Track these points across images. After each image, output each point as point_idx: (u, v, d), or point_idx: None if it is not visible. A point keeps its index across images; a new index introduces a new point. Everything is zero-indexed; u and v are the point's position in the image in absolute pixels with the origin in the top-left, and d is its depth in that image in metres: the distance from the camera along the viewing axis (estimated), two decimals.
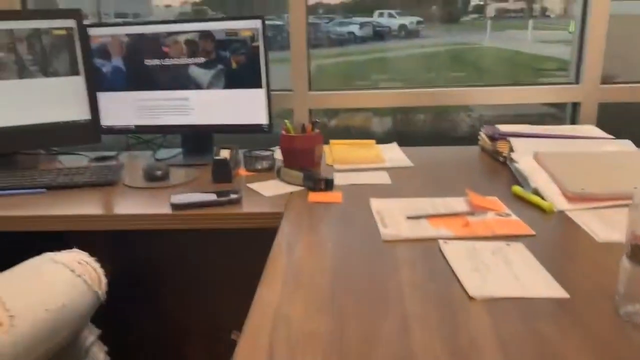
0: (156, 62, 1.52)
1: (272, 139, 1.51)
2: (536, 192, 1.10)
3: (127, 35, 1.52)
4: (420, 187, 1.22)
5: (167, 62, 1.52)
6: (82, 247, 1.10)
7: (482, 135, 1.54)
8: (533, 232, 0.93)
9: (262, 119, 1.50)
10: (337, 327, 0.65)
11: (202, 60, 1.50)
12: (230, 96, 1.50)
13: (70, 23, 1.51)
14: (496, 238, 0.91)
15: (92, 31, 1.53)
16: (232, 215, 1.13)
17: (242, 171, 1.41)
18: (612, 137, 1.43)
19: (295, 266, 0.83)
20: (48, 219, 1.16)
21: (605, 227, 0.94)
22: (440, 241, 0.89)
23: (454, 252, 0.85)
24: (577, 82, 1.70)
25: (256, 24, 1.45)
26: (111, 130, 1.59)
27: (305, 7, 1.67)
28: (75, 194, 1.28)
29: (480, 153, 1.53)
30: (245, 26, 1.45)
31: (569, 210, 1.03)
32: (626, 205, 0.66)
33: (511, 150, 1.35)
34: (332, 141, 1.62)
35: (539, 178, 1.15)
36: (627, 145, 1.36)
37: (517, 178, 1.23)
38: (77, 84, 1.54)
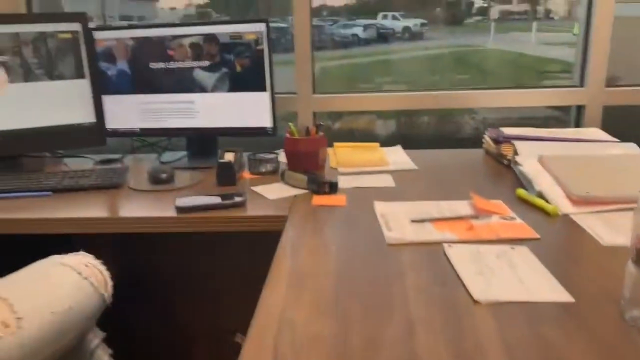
0: (161, 65, 1.53)
1: (277, 142, 1.52)
2: (540, 196, 1.10)
3: (132, 38, 1.53)
4: (424, 190, 1.22)
5: (172, 65, 1.52)
6: (88, 250, 1.11)
7: (487, 138, 1.54)
8: (538, 236, 0.93)
9: (266, 122, 1.51)
10: (342, 331, 0.65)
11: (206, 63, 1.50)
12: (235, 99, 1.51)
13: (76, 26, 1.52)
14: (501, 242, 0.91)
15: (98, 34, 1.53)
16: (237, 219, 1.13)
17: (247, 174, 1.41)
18: (616, 140, 1.43)
19: (300, 269, 0.83)
20: (54, 221, 1.16)
21: (610, 230, 0.94)
22: (445, 245, 0.89)
23: (459, 256, 0.85)
24: (581, 85, 1.70)
25: (260, 27, 1.45)
26: (116, 133, 1.60)
27: (310, 10, 1.67)
28: (80, 196, 1.29)
29: (485, 156, 1.53)
30: (250, 29, 1.46)
31: (574, 213, 1.03)
32: (631, 209, 0.66)
33: (515, 153, 1.35)
34: (336, 144, 1.62)
35: (543, 181, 1.15)
36: (632, 148, 1.36)
37: (522, 181, 1.23)
38: (82, 87, 1.55)
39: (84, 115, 1.56)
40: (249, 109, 1.51)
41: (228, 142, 1.51)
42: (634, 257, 0.64)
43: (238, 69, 1.49)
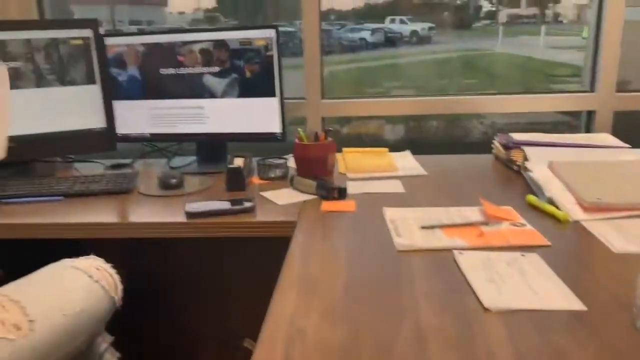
0: (171, 71, 1.54)
1: (286, 147, 1.52)
2: (551, 202, 1.10)
3: (143, 44, 1.54)
4: (434, 196, 1.22)
5: (182, 71, 1.54)
6: (98, 254, 1.12)
7: (496, 143, 1.53)
8: (548, 243, 0.92)
9: (275, 127, 1.51)
10: (353, 338, 0.65)
11: (216, 69, 1.51)
12: (244, 105, 1.52)
13: (87, 33, 1.53)
14: (511, 248, 0.90)
15: (109, 41, 1.55)
16: (246, 224, 1.14)
17: (256, 179, 1.42)
18: (628, 145, 1.42)
19: (310, 276, 0.83)
20: (65, 226, 1.17)
21: (621, 237, 0.94)
22: (455, 251, 0.89)
23: (469, 263, 0.84)
24: (592, 90, 1.69)
25: (270, 33, 1.46)
26: (126, 138, 1.61)
27: (319, 13, 1.68)
28: (91, 201, 1.30)
29: (494, 161, 1.53)
30: (260, 35, 1.47)
31: (585, 220, 1.02)
32: None
33: (525, 159, 1.34)
34: (345, 149, 1.63)
35: (553, 187, 1.14)
36: None
37: (532, 187, 1.22)
38: (93, 92, 1.56)
39: (94, 120, 1.57)
40: (259, 115, 1.51)
41: (237, 148, 1.52)
42: None
43: (248, 74, 1.49)
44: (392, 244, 0.94)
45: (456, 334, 0.66)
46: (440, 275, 0.82)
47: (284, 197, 1.26)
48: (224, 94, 1.53)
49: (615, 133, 1.55)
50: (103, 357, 1.09)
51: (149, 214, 1.21)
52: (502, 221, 1.02)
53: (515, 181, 1.32)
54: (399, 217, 1.06)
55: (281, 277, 0.83)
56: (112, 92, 1.58)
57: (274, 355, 0.63)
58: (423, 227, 1.00)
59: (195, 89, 1.54)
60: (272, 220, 1.14)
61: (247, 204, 1.18)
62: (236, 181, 1.33)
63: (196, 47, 1.51)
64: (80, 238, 1.17)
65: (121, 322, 1.12)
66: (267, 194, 1.28)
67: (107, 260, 1.10)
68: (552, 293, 0.75)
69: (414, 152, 1.63)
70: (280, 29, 1.48)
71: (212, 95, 1.53)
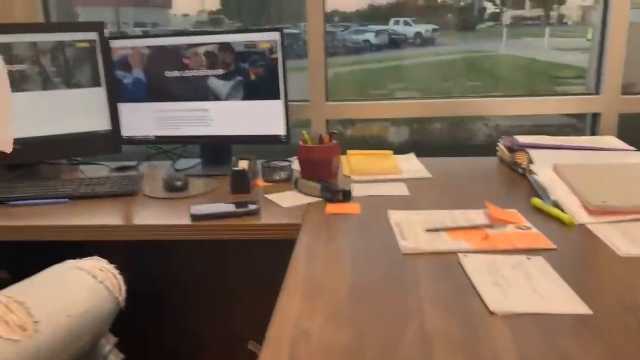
0: (176, 73, 1.55)
1: (290, 150, 1.52)
2: (556, 205, 1.09)
3: (148, 47, 1.55)
4: (438, 199, 1.22)
5: (187, 73, 1.54)
6: (103, 256, 1.12)
7: (501, 146, 1.53)
8: (554, 246, 0.92)
9: (279, 129, 1.52)
10: (358, 342, 0.65)
11: (221, 71, 1.52)
12: (249, 107, 1.52)
13: (93, 35, 1.54)
14: (516, 251, 0.90)
15: (114, 43, 1.56)
16: (251, 227, 1.14)
17: (260, 182, 1.42)
18: (633, 148, 1.42)
19: (314, 279, 0.83)
20: (70, 229, 1.18)
21: (627, 241, 0.93)
22: (460, 254, 0.89)
23: (474, 266, 0.84)
24: (597, 92, 1.69)
25: (275, 36, 1.46)
26: (131, 140, 1.62)
27: (323, 15, 1.68)
28: (96, 203, 1.30)
29: (499, 164, 1.52)
30: (264, 38, 1.47)
31: (590, 223, 1.02)
32: None
33: (530, 161, 1.34)
34: (349, 152, 1.63)
35: (558, 190, 1.14)
36: None
37: (537, 190, 1.22)
38: (98, 95, 1.57)
39: (100, 123, 1.58)
40: (263, 117, 1.52)
41: (241, 150, 1.52)
42: None
43: (252, 77, 1.50)
44: (397, 246, 0.94)
45: (461, 337, 0.66)
46: (446, 278, 0.82)
47: (289, 199, 1.26)
48: (229, 97, 1.53)
49: (621, 136, 1.55)
50: (107, 359, 1.09)
51: (154, 216, 1.22)
52: (507, 224, 1.02)
53: (520, 184, 1.32)
54: (403, 220, 1.06)
55: (286, 280, 0.83)
56: (118, 94, 1.58)
57: (279, 358, 0.63)
58: (428, 230, 1.00)
59: (200, 92, 1.54)
60: (276, 223, 1.14)
61: (252, 207, 1.18)
62: (241, 184, 1.33)
63: (201, 50, 1.52)
64: (86, 240, 1.17)
65: (126, 323, 1.12)
66: (272, 197, 1.28)
67: (112, 262, 1.10)
68: (557, 296, 0.75)
69: (418, 155, 1.63)
70: (285, 31, 1.48)
71: (216, 97, 1.54)
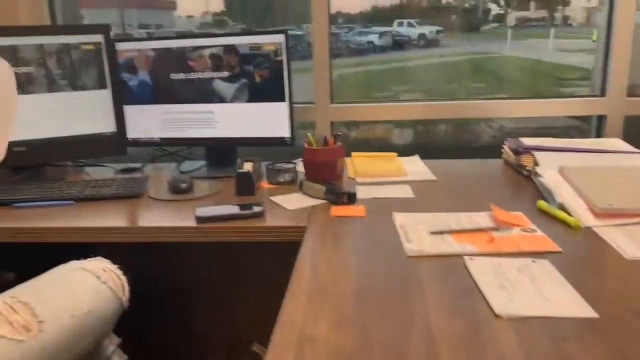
0: (181, 75, 1.55)
1: (294, 152, 1.53)
2: (562, 208, 1.09)
3: (153, 49, 1.55)
4: (443, 201, 1.22)
5: (192, 76, 1.54)
6: (108, 258, 1.12)
7: (506, 148, 1.53)
8: (559, 249, 0.92)
9: (284, 132, 1.52)
10: (363, 346, 0.65)
11: (226, 74, 1.52)
12: (254, 109, 1.52)
13: (99, 38, 1.54)
14: (522, 254, 0.90)
15: (120, 46, 1.56)
16: (256, 229, 1.14)
17: (265, 184, 1.42)
18: (639, 151, 1.41)
19: (320, 282, 0.83)
20: (76, 230, 1.18)
21: (633, 244, 0.93)
22: (466, 257, 0.89)
23: (480, 269, 0.84)
24: (602, 94, 1.68)
25: (280, 38, 1.47)
26: (137, 142, 1.62)
27: (328, 16, 1.68)
28: (101, 205, 1.31)
29: (504, 166, 1.52)
30: (269, 40, 1.47)
31: (596, 226, 1.01)
32: None
33: (536, 164, 1.34)
34: (353, 154, 1.63)
35: (564, 193, 1.14)
36: None
37: (542, 193, 1.22)
38: (104, 97, 1.58)
39: (105, 125, 1.58)
40: (268, 119, 1.52)
41: (246, 152, 1.52)
42: None
43: (257, 79, 1.50)
44: (402, 249, 0.94)
45: (467, 340, 0.65)
46: (451, 281, 0.82)
47: (294, 201, 1.26)
48: (234, 99, 1.53)
49: (627, 138, 1.54)
50: (110, 359, 1.10)
51: (159, 218, 1.22)
52: (513, 227, 1.02)
53: (525, 186, 1.32)
54: (408, 223, 1.06)
55: (291, 283, 0.83)
56: (123, 96, 1.59)
57: None
58: (433, 233, 1.00)
59: (205, 94, 1.55)
60: (281, 225, 1.14)
61: (257, 209, 1.18)
62: (246, 186, 1.33)
63: (206, 52, 1.52)
64: (91, 242, 1.18)
65: (130, 325, 1.12)
66: (277, 199, 1.28)
67: (117, 264, 1.11)
68: (563, 300, 0.74)
69: (422, 156, 1.63)
70: (289, 32, 1.48)
71: (221, 100, 1.54)
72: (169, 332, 1.73)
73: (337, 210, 1.17)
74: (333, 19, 1.71)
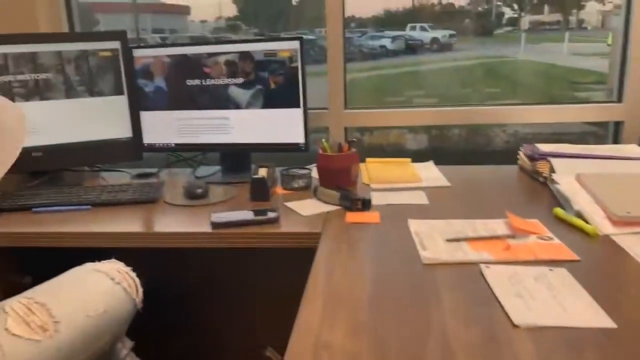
0: (197, 82, 1.56)
1: (308, 157, 1.53)
2: (579, 215, 1.08)
3: (169, 56, 1.57)
4: (458, 208, 1.21)
5: (208, 82, 1.56)
6: (121, 261, 1.14)
7: (522, 154, 1.51)
8: (577, 257, 0.91)
9: (299, 138, 1.52)
10: (379, 353, 0.65)
11: (241, 80, 1.53)
12: (268, 116, 1.53)
13: (116, 45, 1.56)
14: (538, 263, 0.89)
15: (136, 52, 1.58)
16: (270, 235, 1.14)
17: (279, 189, 1.43)
18: None
19: (335, 289, 0.83)
20: (93, 235, 1.20)
21: None
22: (482, 265, 0.88)
23: (496, 277, 0.84)
24: (619, 100, 1.66)
25: (295, 44, 1.47)
26: (152, 148, 1.64)
27: (342, 22, 1.68)
28: (118, 210, 1.32)
29: (519, 172, 1.51)
30: (284, 47, 1.48)
31: (614, 234, 1.00)
32: None
33: (552, 170, 1.32)
34: (368, 159, 1.63)
35: (581, 200, 1.13)
36: None
37: (559, 200, 1.21)
38: (121, 103, 1.59)
39: (122, 130, 1.60)
40: (282, 125, 1.53)
41: (260, 158, 1.53)
42: None
43: (272, 85, 1.51)
44: (417, 256, 0.94)
45: (484, 350, 0.65)
46: (467, 289, 0.81)
47: (308, 207, 1.27)
48: (249, 105, 1.54)
49: None
50: None
51: (175, 223, 1.23)
52: (529, 234, 1.01)
53: (541, 193, 1.31)
54: (423, 229, 1.06)
55: (307, 290, 0.83)
56: (139, 102, 1.60)
57: None
58: (448, 240, 1.00)
59: (220, 100, 1.56)
60: (296, 232, 1.14)
61: (272, 215, 1.19)
62: (260, 191, 1.34)
63: (222, 59, 1.53)
64: (108, 247, 1.19)
65: (143, 329, 1.13)
66: (291, 205, 1.29)
67: (132, 267, 1.12)
68: (581, 309, 0.74)
69: (436, 161, 1.63)
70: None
71: (236, 106, 1.55)
72: (182, 336, 1.74)
73: (352, 217, 1.17)
74: (346, 23, 1.72)
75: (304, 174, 1.44)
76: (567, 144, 1.48)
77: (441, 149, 2.11)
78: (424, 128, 2.08)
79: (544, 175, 1.36)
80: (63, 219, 1.28)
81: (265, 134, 1.55)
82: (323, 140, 1.41)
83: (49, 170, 1.58)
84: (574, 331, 0.69)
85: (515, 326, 0.70)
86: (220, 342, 1.74)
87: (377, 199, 1.28)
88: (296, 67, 1.48)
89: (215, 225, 1.17)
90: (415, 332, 0.69)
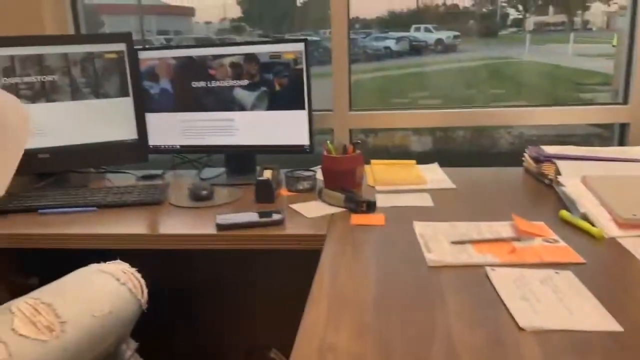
0: (202, 84, 1.57)
1: (313, 158, 1.53)
2: (585, 218, 1.08)
3: (175, 58, 1.57)
4: (463, 210, 1.21)
5: (213, 84, 1.56)
6: (126, 261, 1.14)
7: (527, 156, 1.51)
8: (583, 260, 0.91)
9: (304, 139, 1.52)
10: (383, 355, 0.65)
11: (246, 82, 1.54)
12: (273, 117, 1.53)
13: (121, 47, 1.57)
14: (544, 265, 0.89)
15: (142, 54, 1.58)
16: (275, 237, 1.15)
17: (284, 191, 1.43)
18: None
19: (340, 291, 0.83)
20: (98, 237, 1.20)
21: None
22: (487, 268, 0.88)
23: (502, 280, 0.84)
24: (624, 102, 1.66)
25: (299, 47, 1.48)
26: (158, 149, 1.64)
27: (347, 24, 1.68)
28: (123, 212, 1.33)
29: (524, 175, 1.50)
30: (289, 49, 1.48)
31: (620, 237, 1.00)
32: None
33: (557, 173, 1.32)
34: (373, 161, 1.62)
35: (587, 203, 1.13)
36: None
37: (564, 202, 1.20)
38: (126, 105, 1.60)
39: (127, 132, 1.61)
40: (287, 127, 1.53)
41: (265, 159, 1.53)
42: None
43: (277, 87, 1.51)
44: (422, 259, 0.94)
45: (490, 353, 0.65)
46: (472, 292, 0.81)
47: (313, 209, 1.27)
48: (254, 107, 1.55)
49: None
50: None
51: (180, 225, 1.23)
52: (535, 237, 1.01)
53: (546, 195, 1.31)
54: (428, 232, 1.06)
55: (312, 291, 0.83)
56: (145, 104, 1.61)
57: None
58: (453, 242, 0.99)
59: (225, 102, 1.56)
60: (301, 234, 1.14)
61: (277, 217, 1.19)
62: (265, 193, 1.34)
63: (227, 61, 1.54)
64: (113, 249, 1.19)
65: (149, 330, 1.14)
66: (296, 206, 1.29)
67: (137, 268, 1.12)
68: (587, 313, 0.74)
69: (440, 162, 1.63)
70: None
71: (241, 108, 1.56)
72: (187, 338, 1.75)
73: (356, 219, 1.17)
74: (351, 24, 1.72)
75: (309, 176, 1.44)
76: (573, 146, 1.48)
77: (446, 150, 2.11)
78: (429, 130, 2.08)
79: (549, 177, 1.36)
80: (69, 220, 1.28)
81: (270, 135, 1.55)
82: (328, 142, 1.42)
83: (55, 171, 1.59)
84: (580, 334, 0.68)
85: (521, 329, 0.70)
86: (224, 344, 1.74)
87: (382, 201, 1.28)
88: (301, 69, 1.48)
89: (220, 227, 1.17)
90: (420, 335, 0.69)
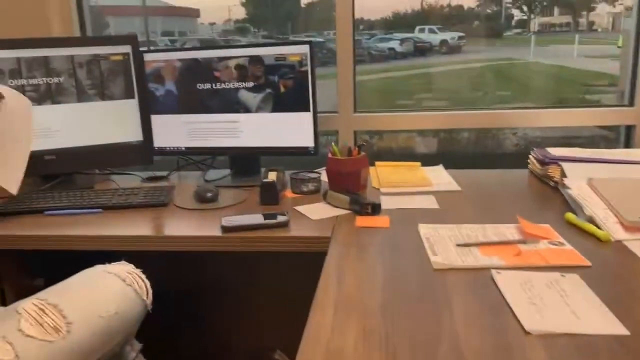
0: (207, 86, 1.57)
1: (318, 160, 1.53)
2: (591, 220, 1.07)
3: (180, 60, 1.58)
4: (469, 213, 1.21)
5: (218, 86, 1.56)
6: (132, 262, 1.14)
7: (532, 159, 1.51)
8: (589, 263, 0.91)
9: (308, 141, 1.52)
10: (390, 359, 0.65)
11: (251, 84, 1.54)
12: (278, 119, 1.54)
13: (127, 49, 1.58)
14: (550, 268, 0.89)
15: (147, 56, 1.59)
16: (280, 239, 1.15)
17: (289, 193, 1.43)
18: None
19: (346, 294, 0.83)
20: (104, 239, 1.20)
21: None
22: (493, 271, 0.88)
23: (508, 283, 0.83)
24: (630, 104, 1.65)
25: (304, 49, 1.48)
26: (163, 151, 1.65)
27: (353, 24, 1.68)
28: (129, 214, 1.33)
29: (530, 177, 1.50)
30: (294, 51, 1.48)
31: (627, 240, 1.00)
32: None
33: (563, 175, 1.32)
34: (377, 163, 1.62)
35: (593, 205, 1.12)
36: None
37: (570, 205, 1.20)
38: (131, 106, 1.60)
39: (132, 134, 1.61)
40: (292, 129, 1.53)
41: (270, 161, 1.54)
42: None
43: (282, 89, 1.51)
44: (427, 261, 0.93)
45: (495, 356, 0.65)
46: (479, 295, 0.81)
47: (318, 211, 1.27)
48: (259, 109, 1.55)
49: None
50: None
51: (186, 227, 1.24)
52: (540, 240, 1.01)
53: (552, 198, 1.30)
54: (434, 234, 1.05)
55: (317, 294, 0.83)
56: (150, 106, 1.61)
57: None
58: (459, 245, 0.99)
59: (230, 104, 1.56)
60: (306, 236, 1.14)
61: (281, 218, 1.19)
62: (270, 195, 1.34)
63: (232, 63, 1.54)
64: (119, 250, 1.19)
65: (153, 331, 1.14)
66: (301, 208, 1.29)
67: (144, 270, 1.13)
68: (593, 316, 0.73)
69: (445, 164, 1.62)
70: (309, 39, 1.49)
71: (246, 109, 1.56)
72: (191, 339, 1.75)
73: (361, 221, 1.17)
74: (355, 25, 1.72)
75: (314, 178, 1.44)
76: (578, 148, 1.47)
77: (451, 152, 2.11)
78: (433, 131, 2.08)
79: (555, 179, 1.35)
80: (74, 222, 1.29)
81: (275, 137, 1.55)
82: (333, 144, 1.42)
83: (60, 173, 1.59)
84: (587, 338, 0.68)
85: (527, 333, 0.70)
86: (228, 345, 1.74)
87: (387, 203, 1.28)
88: (306, 71, 1.49)
89: (225, 229, 1.17)
90: (426, 338, 0.69)
